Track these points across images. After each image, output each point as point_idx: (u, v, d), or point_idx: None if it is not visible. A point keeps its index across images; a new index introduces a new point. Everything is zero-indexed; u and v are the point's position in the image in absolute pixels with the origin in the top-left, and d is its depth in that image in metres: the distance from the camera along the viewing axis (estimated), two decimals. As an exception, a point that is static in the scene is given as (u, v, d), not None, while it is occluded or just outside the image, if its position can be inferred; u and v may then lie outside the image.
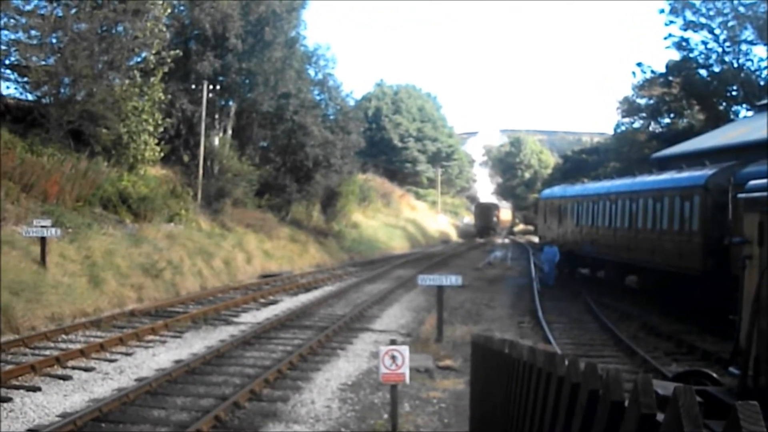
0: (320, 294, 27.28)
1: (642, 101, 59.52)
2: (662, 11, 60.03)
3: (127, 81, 30.18)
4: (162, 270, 24.92)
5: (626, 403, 2.36)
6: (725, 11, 49.72)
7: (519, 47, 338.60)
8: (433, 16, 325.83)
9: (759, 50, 50.72)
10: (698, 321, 19.75)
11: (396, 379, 10.05)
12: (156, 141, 31.94)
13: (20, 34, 27.64)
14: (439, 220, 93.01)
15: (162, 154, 32.96)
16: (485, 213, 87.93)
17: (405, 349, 10.13)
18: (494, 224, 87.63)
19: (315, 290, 28.77)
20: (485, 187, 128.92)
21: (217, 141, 39.54)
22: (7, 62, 28.37)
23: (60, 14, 27.99)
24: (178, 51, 33.06)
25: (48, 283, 19.22)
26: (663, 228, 23.30)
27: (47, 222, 20.56)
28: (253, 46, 39.14)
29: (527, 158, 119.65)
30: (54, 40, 28.21)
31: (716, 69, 51.09)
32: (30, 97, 29.65)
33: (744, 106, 49.52)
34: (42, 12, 27.74)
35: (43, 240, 20.06)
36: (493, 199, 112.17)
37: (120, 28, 30.08)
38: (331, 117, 49.25)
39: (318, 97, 48.64)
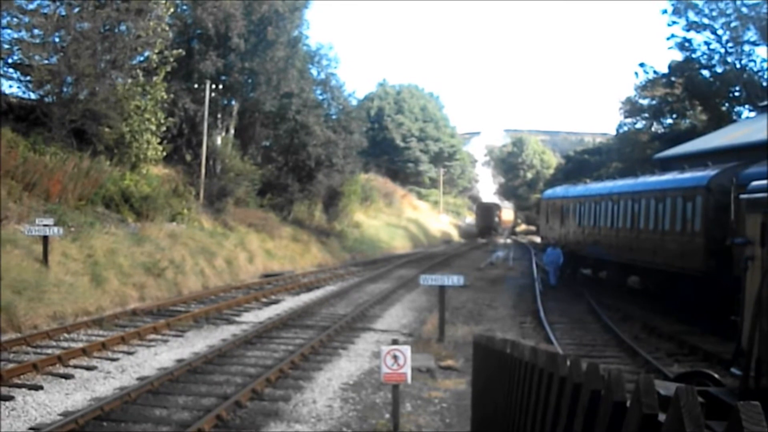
0: (322, 293, 27.29)
1: (644, 102, 59.50)
2: (665, 12, 59.84)
3: (129, 80, 30.20)
4: (164, 269, 24.94)
5: (628, 404, 2.37)
6: (728, 12, 49.66)
7: (522, 47, 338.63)
8: (436, 16, 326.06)
9: (762, 51, 50.69)
10: (700, 322, 19.72)
11: (398, 379, 10.06)
12: (158, 140, 31.96)
13: (23, 33, 27.65)
14: (441, 220, 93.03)
15: (164, 154, 32.96)
16: (487, 213, 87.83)
17: (407, 349, 10.13)
18: (496, 224, 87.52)
19: (317, 290, 28.78)
20: (487, 187, 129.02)
21: (219, 140, 39.57)
22: (9, 61, 28.39)
23: (63, 13, 28.02)
24: (180, 50, 33.09)
25: (50, 281, 19.24)
26: (665, 228, 23.29)
27: (50, 221, 20.57)
28: (255, 46, 39.17)
29: (529, 158, 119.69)
30: (57, 39, 28.23)
31: (719, 70, 51.05)
32: (33, 96, 29.70)
33: (747, 106, 49.50)
34: (45, 11, 27.77)
35: (45, 239, 20.07)
36: (495, 199, 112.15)
37: (123, 28, 30.09)
38: (334, 117, 49.26)
39: (320, 97, 48.67)
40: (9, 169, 23.42)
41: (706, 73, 51.84)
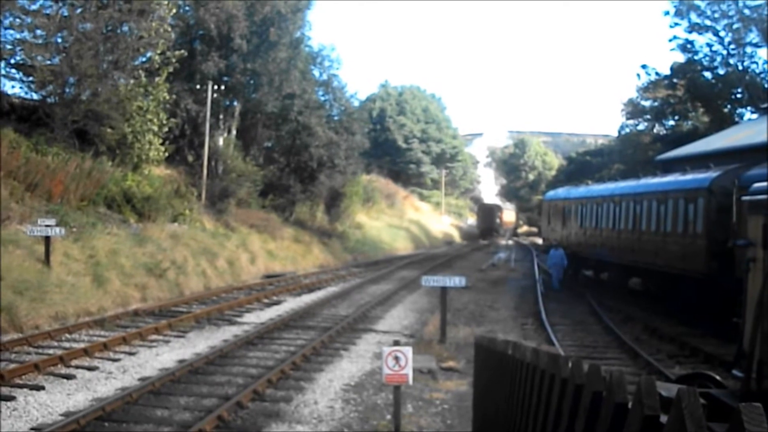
0: (324, 294, 27.29)
1: (646, 103, 59.57)
2: (667, 13, 59.93)
3: (132, 81, 30.24)
4: (166, 270, 24.94)
5: (630, 405, 2.37)
6: (730, 13, 49.69)
7: (523, 49, 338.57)
8: (438, 17, 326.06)
9: (764, 53, 50.81)
10: (701, 324, 19.71)
11: (399, 380, 10.06)
12: (160, 141, 32.00)
13: (25, 34, 27.71)
14: (443, 221, 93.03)
15: (166, 154, 33.02)
16: (488, 214, 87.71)
17: (408, 350, 10.13)
18: (497, 226, 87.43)
19: (318, 291, 28.78)
20: (489, 189, 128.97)
21: (221, 141, 39.62)
22: (12, 61, 28.45)
23: (65, 14, 28.06)
24: (183, 51, 33.14)
25: (52, 282, 19.25)
26: (667, 230, 23.28)
27: (51, 221, 20.59)
28: (257, 47, 39.21)
29: (531, 160, 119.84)
30: (59, 40, 28.27)
31: (721, 71, 51.09)
32: (35, 96, 29.74)
33: (749, 108, 49.54)
34: (47, 12, 27.82)
35: (47, 239, 20.09)
36: (497, 200, 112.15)
37: (125, 28, 30.14)
38: (336, 118, 49.31)
39: (322, 98, 48.72)
40: (11, 169, 23.45)
41: (708, 74, 51.88)
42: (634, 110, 61.04)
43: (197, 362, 14.31)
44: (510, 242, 75.96)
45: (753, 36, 49.41)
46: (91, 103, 28.47)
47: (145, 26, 29.74)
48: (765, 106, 40.18)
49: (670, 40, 54.80)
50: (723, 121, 46.77)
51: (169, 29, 31.49)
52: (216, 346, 16.32)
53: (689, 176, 23.29)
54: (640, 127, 61.04)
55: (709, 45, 51.54)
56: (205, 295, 25.08)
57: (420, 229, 75.74)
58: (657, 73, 56.31)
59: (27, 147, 25.43)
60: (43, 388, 12.07)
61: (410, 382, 10.27)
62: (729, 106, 51.36)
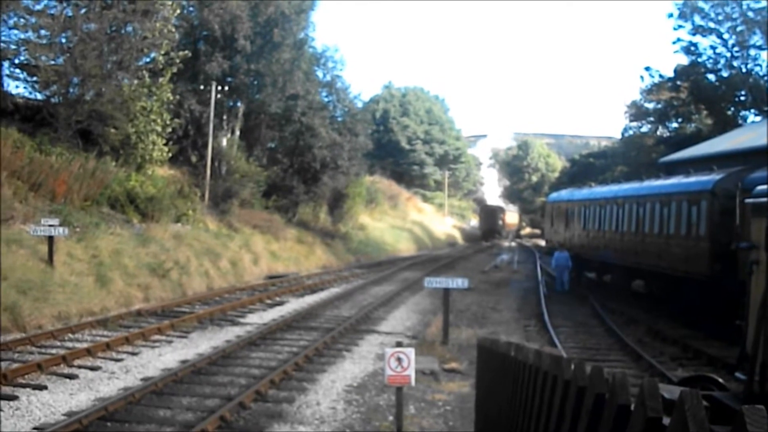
0: (326, 295, 27.29)
1: (650, 105, 59.52)
2: (671, 15, 59.94)
3: (135, 81, 30.30)
4: (169, 270, 24.96)
5: (632, 407, 2.37)
6: (734, 16, 49.67)
7: (527, 50, 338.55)
8: (441, 19, 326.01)
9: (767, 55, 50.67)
10: (704, 326, 19.69)
11: (401, 381, 10.06)
12: (164, 141, 32.06)
13: (30, 34, 27.77)
14: (446, 222, 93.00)
15: (170, 155, 33.08)
16: (490, 216, 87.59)
17: (411, 352, 10.13)
18: (499, 227, 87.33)
19: (321, 292, 28.78)
20: (492, 190, 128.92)
21: (224, 142, 39.65)
22: (16, 61, 28.52)
23: (69, 14, 28.11)
24: (186, 52, 33.18)
25: (55, 282, 19.28)
26: (670, 232, 23.26)
27: (55, 221, 20.63)
28: (261, 48, 39.25)
29: (534, 162, 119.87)
30: (63, 40, 28.33)
31: (724, 74, 51.06)
32: (39, 96, 29.80)
33: (752, 111, 49.55)
34: (51, 12, 27.87)
35: (50, 239, 20.13)
36: (500, 202, 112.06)
37: (129, 29, 30.19)
38: (339, 119, 49.34)
39: (326, 99, 48.77)
40: (15, 169, 23.50)
41: (711, 77, 51.84)
42: (637, 112, 61.00)
43: (200, 362, 14.32)
44: (513, 244, 75.92)
45: (757, 38, 49.40)
46: (95, 104, 28.52)
47: (149, 27, 29.78)
48: (768, 108, 40.16)
49: (674, 43, 55.05)
50: (726, 124, 46.75)
51: (173, 30, 31.52)
52: (218, 346, 16.33)
53: (692, 179, 23.26)
54: (644, 129, 61.01)
55: (713, 47, 51.57)
56: (208, 296, 25.10)
57: (423, 230, 75.72)
58: (660, 76, 56.33)
59: (31, 147, 25.47)
60: (45, 387, 12.08)
61: (413, 383, 10.27)
62: (732, 109, 51.33)
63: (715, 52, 51.50)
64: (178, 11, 32.90)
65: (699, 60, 52.01)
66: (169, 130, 32.43)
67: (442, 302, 19.08)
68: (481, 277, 36.80)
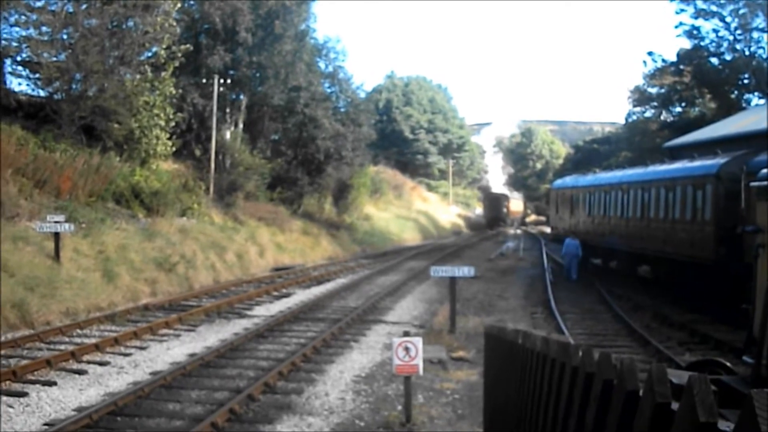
0: (333, 286, 27.32)
1: (653, 90, 59.28)
2: (673, -1, 59.61)
3: (138, 76, 30.30)
4: (175, 264, 25.00)
5: (641, 393, 2.37)
6: (736, -2, 49.42)
7: (530, 38, 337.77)
8: (443, 7, 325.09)
9: (770, 38, 50.40)
10: (711, 310, 19.68)
11: (409, 371, 10.09)
12: (168, 135, 32.06)
13: (31, 31, 27.76)
14: (450, 211, 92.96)
15: (174, 149, 33.08)
16: (495, 204, 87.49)
17: (418, 341, 10.16)
18: (504, 215, 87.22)
19: (327, 283, 28.81)
20: (497, 178, 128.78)
21: (228, 135, 39.65)
22: (18, 59, 28.55)
23: (71, 10, 28.11)
24: (188, 45, 33.13)
25: (62, 278, 19.33)
26: (675, 217, 23.23)
27: (61, 217, 20.66)
28: (263, 40, 39.21)
29: (538, 149, 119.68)
30: (65, 36, 28.34)
31: (728, 57, 50.84)
32: (42, 93, 29.85)
33: (756, 94, 49.32)
34: (53, 8, 27.87)
35: (56, 235, 20.16)
36: (504, 189, 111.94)
37: (130, 24, 30.18)
38: (342, 109, 49.32)
39: (329, 90, 48.74)
40: (20, 166, 23.53)
41: (714, 60, 51.63)
42: (640, 97, 60.77)
43: (208, 356, 14.36)
44: (518, 231, 75.88)
45: (759, 21, 49.15)
46: (98, 99, 28.53)
47: (150, 21, 29.78)
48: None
49: (676, 27, 54.68)
50: (730, 107, 46.57)
51: (174, 24, 31.50)
52: (226, 339, 16.37)
53: (697, 163, 23.20)
54: (647, 114, 60.79)
55: (716, 31, 51.30)
56: (215, 289, 25.14)
57: (428, 219, 75.72)
58: (663, 60, 56.09)
59: (35, 144, 25.51)
60: (55, 383, 12.13)
61: (421, 372, 10.30)
62: (736, 92, 51.13)
63: (717, 36, 51.29)
64: (179, 5, 32.89)
65: (702, 44, 51.79)
66: (173, 124, 32.43)
67: (449, 291, 19.10)
68: (487, 265, 36.79)
